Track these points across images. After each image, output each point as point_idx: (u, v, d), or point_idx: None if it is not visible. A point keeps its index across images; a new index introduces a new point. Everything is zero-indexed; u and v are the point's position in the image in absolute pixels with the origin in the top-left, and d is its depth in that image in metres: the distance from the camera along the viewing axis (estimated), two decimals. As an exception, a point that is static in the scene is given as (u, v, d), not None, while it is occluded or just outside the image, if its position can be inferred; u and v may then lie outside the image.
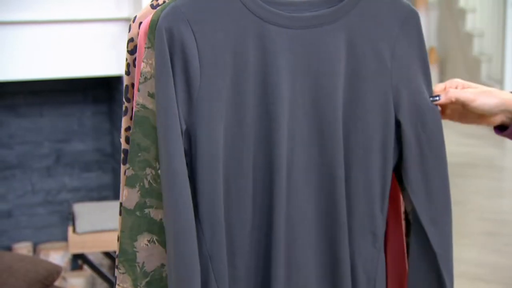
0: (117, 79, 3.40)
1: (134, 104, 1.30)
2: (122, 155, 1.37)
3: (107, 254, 3.07)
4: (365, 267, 1.31)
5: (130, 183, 1.26)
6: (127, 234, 1.27)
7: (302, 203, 1.28)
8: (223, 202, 1.25)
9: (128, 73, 1.35)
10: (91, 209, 2.90)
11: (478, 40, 7.52)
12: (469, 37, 7.61)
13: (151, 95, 1.25)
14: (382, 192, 1.31)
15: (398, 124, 1.30)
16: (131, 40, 1.34)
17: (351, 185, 1.29)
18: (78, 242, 2.65)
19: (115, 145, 3.68)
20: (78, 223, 2.75)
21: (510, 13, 6.66)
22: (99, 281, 3.57)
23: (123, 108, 1.36)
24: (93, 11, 3.21)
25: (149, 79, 1.25)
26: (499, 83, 6.75)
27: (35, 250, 3.76)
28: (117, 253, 1.32)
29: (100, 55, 3.23)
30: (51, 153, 3.74)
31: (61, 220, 3.78)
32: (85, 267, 3.68)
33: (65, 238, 3.75)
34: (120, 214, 1.38)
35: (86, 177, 3.80)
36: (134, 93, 1.32)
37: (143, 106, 1.26)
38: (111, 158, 3.80)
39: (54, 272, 2.28)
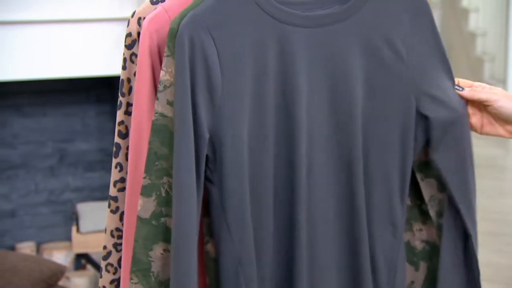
0: (120, 79, 3.39)
1: (144, 110, 1.31)
2: (114, 149, 1.38)
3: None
4: (386, 257, 1.34)
5: (146, 192, 1.27)
6: (141, 244, 1.27)
7: (322, 200, 1.30)
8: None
9: (124, 67, 1.36)
10: (95, 209, 2.90)
11: (481, 39, 7.52)
12: (472, 36, 7.60)
13: (170, 103, 1.26)
14: (401, 184, 1.33)
15: (421, 116, 1.31)
16: (129, 34, 1.35)
17: (370, 178, 1.32)
18: (81, 242, 2.65)
19: (118, 145, 3.67)
20: (81, 223, 2.75)
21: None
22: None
23: (118, 102, 1.37)
24: (96, 11, 3.22)
25: (169, 87, 1.26)
26: (502, 82, 6.75)
27: (38, 249, 3.76)
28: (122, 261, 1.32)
29: (103, 54, 3.23)
30: (54, 153, 3.75)
31: (65, 220, 3.78)
32: (88, 266, 3.69)
33: (68, 238, 3.75)
34: (109, 206, 1.39)
35: (89, 177, 3.80)
36: (136, 96, 1.32)
37: (162, 115, 1.26)
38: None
39: (58, 272, 2.29)
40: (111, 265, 1.40)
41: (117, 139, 1.37)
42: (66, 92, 3.68)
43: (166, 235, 1.27)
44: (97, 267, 2.82)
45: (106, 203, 3.10)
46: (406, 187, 1.34)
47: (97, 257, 3.45)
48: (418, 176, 1.37)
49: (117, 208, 1.39)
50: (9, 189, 3.70)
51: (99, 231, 2.68)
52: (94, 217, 2.77)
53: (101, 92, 3.74)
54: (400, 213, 1.34)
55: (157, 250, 1.27)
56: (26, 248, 3.70)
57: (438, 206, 1.38)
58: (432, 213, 1.38)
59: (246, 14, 1.24)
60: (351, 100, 1.28)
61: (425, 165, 1.38)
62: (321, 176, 1.30)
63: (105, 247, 1.40)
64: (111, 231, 1.39)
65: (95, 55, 3.22)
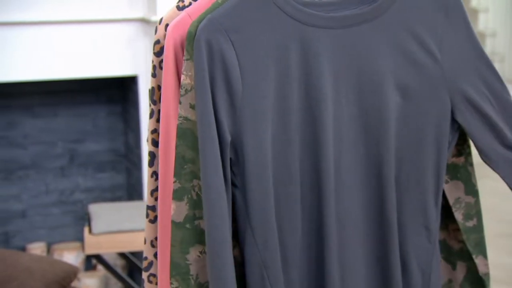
0: (131, 79, 3.39)
1: (171, 115, 1.30)
2: (148, 158, 1.37)
3: (121, 255, 3.07)
4: (419, 262, 1.32)
5: (177, 197, 1.26)
6: (178, 248, 1.26)
7: (351, 205, 1.28)
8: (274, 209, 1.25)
9: (154, 75, 1.35)
10: (107, 210, 2.90)
11: (491, 40, 7.49)
12: (482, 37, 7.58)
13: (192, 107, 1.25)
14: (436, 187, 1.31)
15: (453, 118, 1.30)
16: (157, 42, 1.34)
17: (402, 181, 1.30)
18: (94, 243, 2.65)
19: (129, 145, 3.68)
20: (94, 223, 2.74)
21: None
22: (113, 281, 3.57)
23: (149, 111, 1.36)
24: (107, 12, 3.21)
25: (190, 91, 1.25)
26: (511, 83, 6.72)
27: (49, 250, 3.76)
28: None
29: (114, 55, 3.23)
30: (65, 153, 3.74)
31: (75, 220, 3.78)
32: (99, 267, 3.68)
33: (79, 238, 3.75)
34: (147, 216, 1.39)
35: (99, 177, 3.79)
36: (163, 102, 1.31)
37: (186, 118, 1.26)
38: (124, 159, 3.80)
39: (71, 273, 2.28)
40: (154, 275, 1.38)
41: (151, 148, 1.36)
42: (76, 92, 3.68)
43: (201, 237, 1.26)
44: (110, 268, 2.81)
45: (118, 204, 3.09)
46: (440, 189, 1.32)
47: (108, 258, 3.44)
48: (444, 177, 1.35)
49: (156, 217, 1.37)
50: (19, 189, 3.70)
51: (112, 232, 2.67)
52: (107, 218, 2.77)
53: (112, 92, 3.74)
54: (434, 216, 1.32)
55: (194, 253, 1.26)
56: (37, 248, 3.70)
57: (465, 209, 1.36)
58: (458, 216, 1.36)
59: (266, 16, 1.23)
60: (380, 102, 1.26)
61: (452, 167, 1.36)
62: (349, 180, 1.28)
63: (145, 258, 1.38)
64: (151, 241, 1.37)
65: (105, 55, 3.22)
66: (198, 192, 1.26)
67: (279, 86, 1.24)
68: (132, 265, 3.08)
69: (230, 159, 1.24)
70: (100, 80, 3.59)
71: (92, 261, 3.72)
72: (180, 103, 1.27)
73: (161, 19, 1.35)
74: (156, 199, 1.37)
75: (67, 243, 3.74)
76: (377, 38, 1.25)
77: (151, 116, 1.37)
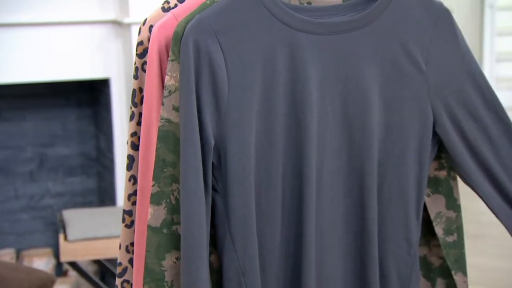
0: (103, 82, 3.35)
1: (153, 118, 1.27)
2: (127, 161, 1.35)
3: (95, 260, 3.02)
4: (399, 274, 1.31)
5: (155, 201, 1.24)
6: (153, 254, 1.24)
7: (331, 214, 1.27)
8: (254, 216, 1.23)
9: (136, 77, 1.33)
10: (82, 216, 2.86)
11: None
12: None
13: (176, 109, 1.23)
14: (417, 199, 1.30)
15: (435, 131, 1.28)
16: (140, 43, 1.32)
17: (384, 193, 1.28)
18: (70, 250, 2.61)
19: (101, 149, 3.63)
20: (69, 230, 2.70)
21: (488, 14, 6.69)
22: (85, 287, 3.52)
23: (130, 113, 1.34)
24: (77, 14, 3.16)
25: (174, 92, 1.23)
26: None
27: (18, 256, 3.69)
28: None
29: (85, 58, 3.18)
30: (34, 158, 3.68)
31: (45, 226, 3.72)
32: (70, 273, 3.63)
33: (49, 244, 3.69)
34: (123, 221, 1.36)
35: (70, 182, 3.74)
36: (145, 104, 1.29)
37: (168, 120, 1.24)
38: (95, 163, 3.75)
39: (48, 282, 2.24)
40: (128, 282, 1.35)
41: (130, 151, 1.34)
42: (46, 96, 3.62)
43: (178, 243, 1.24)
44: (85, 275, 2.77)
45: (93, 210, 3.05)
46: (421, 201, 1.30)
47: (80, 263, 3.39)
48: (425, 191, 1.33)
49: (132, 222, 1.35)
50: (-12, 195, 3.64)
51: (88, 239, 2.63)
52: (82, 224, 2.72)
53: (82, 96, 3.68)
54: (415, 228, 1.30)
55: (170, 259, 1.24)
56: (6, 255, 3.63)
57: (446, 223, 1.34)
58: (438, 230, 1.34)
59: (255, 19, 1.21)
60: (365, 111, 1.25)
61: (434, 180, 1.34)
62: (331, 188, 1.26)
63: (120, 264, 1.36)
64: (126, 246, 1.35)
65: (75, 58, 3.17)
66: (177, 197, 1.24)
67: (265, 90, 1.22)
68: (105, 270, 3.04)
69: (212, 163, 1.22)
70: (70, 83, 3.53)
71: (63, 267, 3.66)
72: (162, 104, 1.24)
73: (145, 20, 1.32)
74: (133, 203, 1.36)
75: (37, 249, 3.68)
76: (365, 46, 1.24)
77: (131, 118, 1.34)
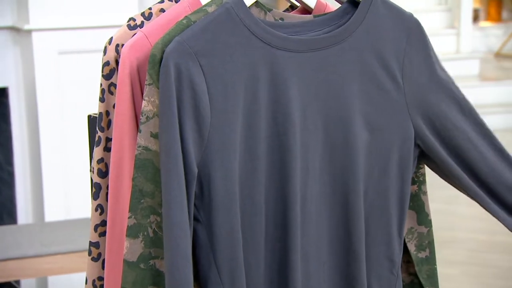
0: (0, 92, 3.17)
1: (125, 145, 1.22)
2: (93, 189, 1.28)
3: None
4: None
5: (132, 234, 1.18)
6: None
7: (317, 238, 1.24)
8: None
9: (102, 99, 1.26)
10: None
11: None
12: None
13: (154, 136, 1.17)
14: (399, 215, 1.29)
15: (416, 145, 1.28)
16: (106, 63, 1.25)
17: (366, 211, 1.26)
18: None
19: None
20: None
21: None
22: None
23: (96, 138, 1.27)
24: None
25: (152, 118, 1.18)
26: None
27: None
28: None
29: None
30: None
31: None
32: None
33: None
34: (89, 254, 1.29)
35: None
36: (116, 130, 1.22)
37: (146, 148, 1.18)
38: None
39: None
40: None
41: (96, 179, 1.26)
42: None
43: (156, 279, 1.18)
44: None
45: (8, 227, 2.87)
46: (404, 219, 1.30)
47: None
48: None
49: (99, 255, 1.28)
50: None
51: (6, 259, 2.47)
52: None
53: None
54: (398, 247, 1.30)
55: None
56: None
57: (417, 239, 1.35)
58: (410, 247, 1.34)
59: (236, 39, 1.17)
60: (347, 129, 1.23)
61: None
62: (315, 212, 1.24)
63: None
64: (93, 281, 1.28)
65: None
66: (156, 229, 1.18)
67: (247, 112, 1.18)
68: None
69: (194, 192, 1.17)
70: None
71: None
72: (139, 131, 1.18)
73: (110, 39, 1.26)
74: (100, 234, 1.29)
75: None
76: (343, 62, 1.23)
77: (97, 144, 1.27)
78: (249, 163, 1.19)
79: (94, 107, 1.41)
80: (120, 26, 1.30)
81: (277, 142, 1.20)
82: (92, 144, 1.40)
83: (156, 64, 1.16)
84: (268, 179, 1.20)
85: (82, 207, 2.83)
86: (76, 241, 2.51)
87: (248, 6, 1.20)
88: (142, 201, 1.17)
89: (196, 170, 1.15)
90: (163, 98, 1.14)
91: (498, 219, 1.31)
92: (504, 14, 9.46)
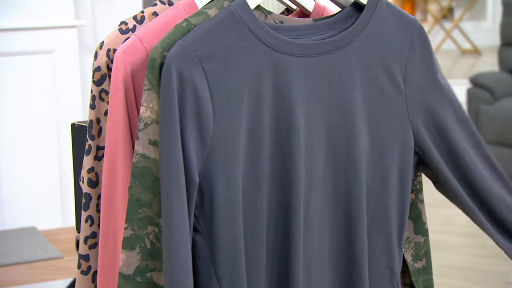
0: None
1: (119, 153, 1.16)
2: (83, 200, 1.23)
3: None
4: None
5: (128, 245, 1.12)
6: None
7: (319, 248, 1.20)
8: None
9: (93, 106, 1.21)
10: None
11: None
12: None
13: (153, 143, 1.12)
14: (400, 225, 1.26)
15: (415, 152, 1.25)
16: (97, 69, 1.20)
17: (368, 222, 1.23)
18: None
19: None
20: None
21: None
22: None
23: (86, 146, 1.22)
24: None
25: (150, 125, 1.12)
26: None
27: None
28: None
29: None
30: None
31: None
32: None
33: None
34: (79, 267, 1.24)
35: None
36: (109, 137, 1.17)
37: (144, 156, 1.12)
38: None
39: None
40: None
41: (86, 189, 1.21)
42: None
43: None
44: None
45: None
46: (404, 228, 1.27)
47: None
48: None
49: (89, 268, 1.23)
50: None
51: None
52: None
53: None
54: (398, 257, 1.27)
55: None
56: None
57: (414, 249, 1.33)
58: (407, 256, 1.32)
59: (240, 44, 1.13)
60: (350, 137, 1.20)
61: None
62: (318, 221, 1.20)
63: None
64: None
65: None
66: (153, 240, 1.13)
67: (250, 118, 1.14)
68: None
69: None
70: None
71: None
72: (137, 138, 1.13)
73: (102, 43, 1.21)
74: (90, 247, 1.24)
75: None
76: (347, 67, 1.20)
77: (87, 153, 1.22)
78: (251, 170, 1.15)
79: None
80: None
81: (280, 149, 1.16)
82: (77, 153, 1.35)
83: (155, 69, 1.11)
84: (270, 187, 1.17)
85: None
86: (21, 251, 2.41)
87: (252, 9, 1.16)
88: (139, 211, 1.12)
89: (197, 179, 1.11)
90: (164, 104, 1.09)
91: (491, 237, 1.30)
92: (418, 15, 9.60)
